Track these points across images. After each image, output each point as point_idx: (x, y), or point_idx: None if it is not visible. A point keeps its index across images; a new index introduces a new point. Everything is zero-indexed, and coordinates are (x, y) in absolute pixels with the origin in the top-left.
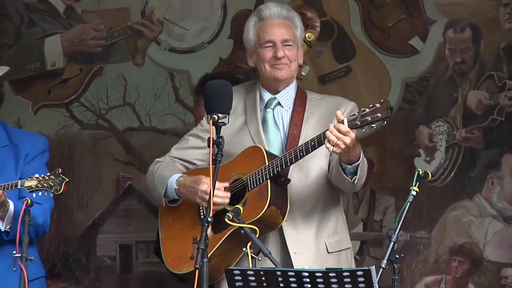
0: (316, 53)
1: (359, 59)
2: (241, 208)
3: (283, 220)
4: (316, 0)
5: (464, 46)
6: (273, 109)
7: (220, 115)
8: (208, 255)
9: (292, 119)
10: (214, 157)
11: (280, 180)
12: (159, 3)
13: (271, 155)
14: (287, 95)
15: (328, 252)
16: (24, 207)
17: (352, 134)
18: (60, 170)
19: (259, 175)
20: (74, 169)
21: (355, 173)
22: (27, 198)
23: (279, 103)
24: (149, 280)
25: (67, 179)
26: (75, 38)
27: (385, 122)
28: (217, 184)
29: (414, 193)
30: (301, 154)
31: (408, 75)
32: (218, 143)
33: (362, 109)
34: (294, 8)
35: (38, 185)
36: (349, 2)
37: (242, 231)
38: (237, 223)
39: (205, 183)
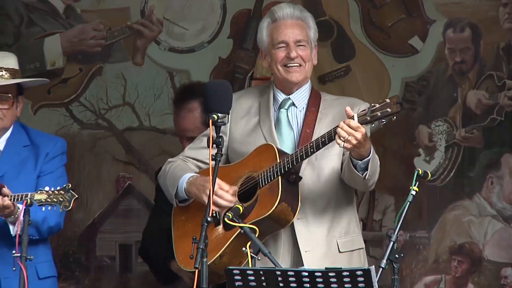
0: None
1: (359, 59)
2: (240, 207)
3: (294, 217)
4: (316, 0)
5: (463, 46)
6: (287, 109)
7: (219, 114)
8: (219, 252)
9: (305, 119)
10: (213, 157)
11: (292, 177)
12: (159, 3)
13: (282, 153)
14: (301, 96)
15: (340, 252)
16: (23, 206)
17: (363, 129)
18: (70, 186)
19: (270, 172)
20: (73, 168)
21: (366, 168)
22: (27, 198)
23: (293, 104)
24: (149, 279)
25: (77, 196)
26: (75, 38)
27: (395, 117)
28: (226, 186)
29: (413, 192)
30: (311, 150)
31: (408, 74)
32: (217, 142)
33: (372, 104)
34: (266, 6)
35: (48, 199)
36: (349, 2)
37: (242, 231)
38: (236, 223)
39: (216, 183)
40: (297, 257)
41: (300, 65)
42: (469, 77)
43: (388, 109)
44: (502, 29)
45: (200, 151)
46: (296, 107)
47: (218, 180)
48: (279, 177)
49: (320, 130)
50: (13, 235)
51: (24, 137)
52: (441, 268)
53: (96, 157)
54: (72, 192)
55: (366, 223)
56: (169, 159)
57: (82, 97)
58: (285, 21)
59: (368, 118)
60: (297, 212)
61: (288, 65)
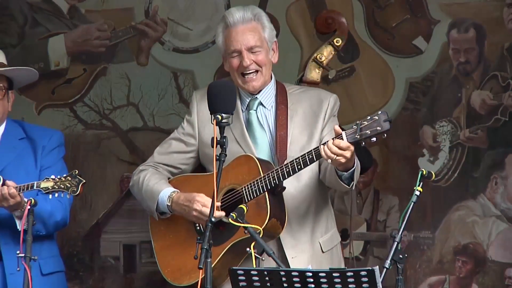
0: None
1: (363, 59)
2: (244, 208)
3: (282, 229)
4: (320, 0)
5: (468, 46)
6: (255, 110)
7: (223, 115)
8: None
9: (277, 119)
10: (218, 157)
11: (277, 190)
12: (163, 3)
13: (263, 164)
14: (268, 94)
15: (323, 252)
16: (28, 207)
17: (352, 147)
18: (77, 172)
19: (255, 186)
20: (78, 169)
21: (351, 178)
22: (30, 198)
23: (261, 103)
24: (153, 280)
25: (84, 181)
26: (79, 38)
27: (385, 135)
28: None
29: (417, 193)
30: (298, 167)
31: (412, 75)
32: (221, 143)
33: (360, 122)
34: (324, 13)
35: (55, 186)
36: (353, 2)
37: (246, 231)
38: (240, 223)
39: (199, 202)
40: (284, 264)
41: (256, 71)
42: (473, 77)
43: (378, 128)
44: (507, 30)
45: (170, 156)
46: (265, 107)
47: (202, 198)
48: (266, 192)
49: (293, 129)
50: (20, 230)
51: (19, 131)
52: (445, 268)
53: (100, 157)
54: (79, 178)
55: (370, 224)
56: (140, 167)
57: (86, 98)
58: (236, 27)
59: (358, 137)
60: (285, 223)
61: (244, 73)
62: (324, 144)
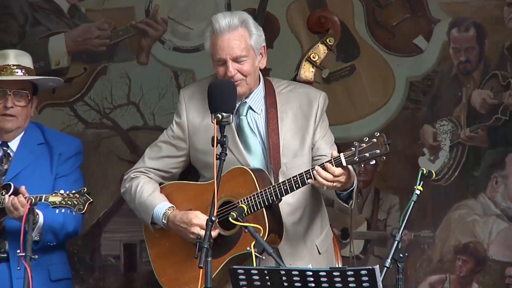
0: (334, 56)
1: (364, 58)
2: (245, 207)
3: (281, 241)
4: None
5: (468, 45)
6: (245, 115)
7: (224, 114)
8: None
9: (268, 124)
10: (218, 157)
11: (274, 204)
12: (164, 2)
13: (258, 176)
14: (257, 97)
15: (320, 253)
16: (28, 206)
17: (345, 171)
18: (86, 190)
19: (252, 201)
20: None
21: (349, 196)
22: (31, 197)
23: (250, 108)
24: (153, 279)
25: (91, 200)
26: (80, 37)
27: (384, 158)
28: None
29: (418, 192)
30: (296, 185)
31: (413, 74)
32: (222, 142)
33: (358, 144)
34: (317, 12)
35: (62, 202)
36: (353, 2)
37: (246, 230)
38: (241, 222)
39: (197, 225)
40: None
41: (241, 80)
42: (474, 76)
43: (377, 150)
44: (507, 29)
45: (161, 160)
46: (255, 111)
47: (199, 220)
48: (263, 208)
49: (285, 133)
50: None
51: (39, 136)
52: (446, 267)
53: (100, 156)
54: (87, 196)
55: (370, 223)
56: (131, 175)
57: (87, 97)
58: (222, 36)
59: (357, 159)
60: (283, 236)
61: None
62: (321, 165)
